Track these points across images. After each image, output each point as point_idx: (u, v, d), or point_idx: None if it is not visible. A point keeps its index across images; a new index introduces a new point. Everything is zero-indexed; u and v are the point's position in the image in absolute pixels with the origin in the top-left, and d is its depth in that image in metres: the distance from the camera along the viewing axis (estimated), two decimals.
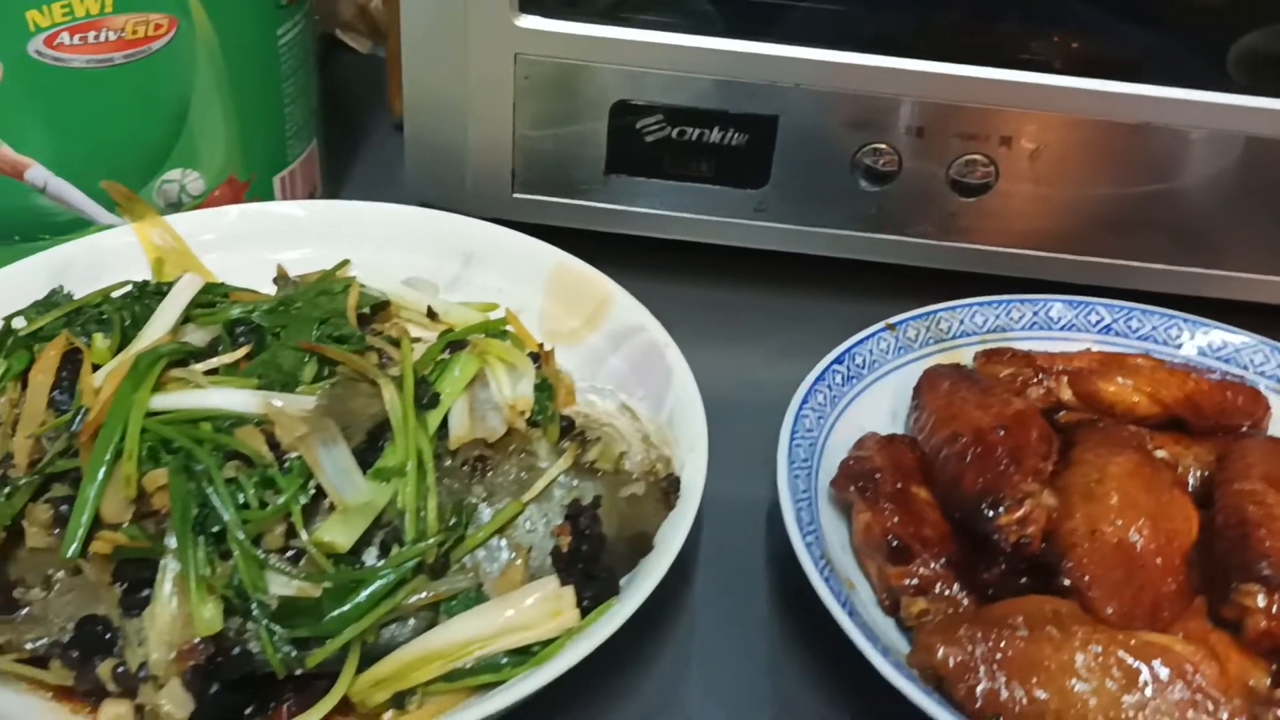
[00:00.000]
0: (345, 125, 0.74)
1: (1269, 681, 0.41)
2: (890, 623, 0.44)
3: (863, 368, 0.53)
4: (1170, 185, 0.60)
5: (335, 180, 0.70)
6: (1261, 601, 0.41)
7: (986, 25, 0.58)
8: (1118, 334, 0.55)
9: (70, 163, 0.53)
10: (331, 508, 0.39)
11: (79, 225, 0.55)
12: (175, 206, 0.57)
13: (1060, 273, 0.61)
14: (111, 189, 0.54)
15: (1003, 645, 0.40)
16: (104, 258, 0.53)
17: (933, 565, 0.44)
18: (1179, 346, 0.54)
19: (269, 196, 0.61)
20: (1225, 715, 0.38)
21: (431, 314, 0.50)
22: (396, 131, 0.75)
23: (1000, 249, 0.61)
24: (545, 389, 0.44)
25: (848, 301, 0.59)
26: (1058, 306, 0.57)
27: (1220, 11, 0.57)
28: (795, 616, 0.47)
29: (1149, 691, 0.38)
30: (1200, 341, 0.54)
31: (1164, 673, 0.39)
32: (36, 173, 0.53)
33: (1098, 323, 0.56)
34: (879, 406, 0.52)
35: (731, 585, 0.48)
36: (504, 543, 0.41)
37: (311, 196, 0.65)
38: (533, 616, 0.39)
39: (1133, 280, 0.61)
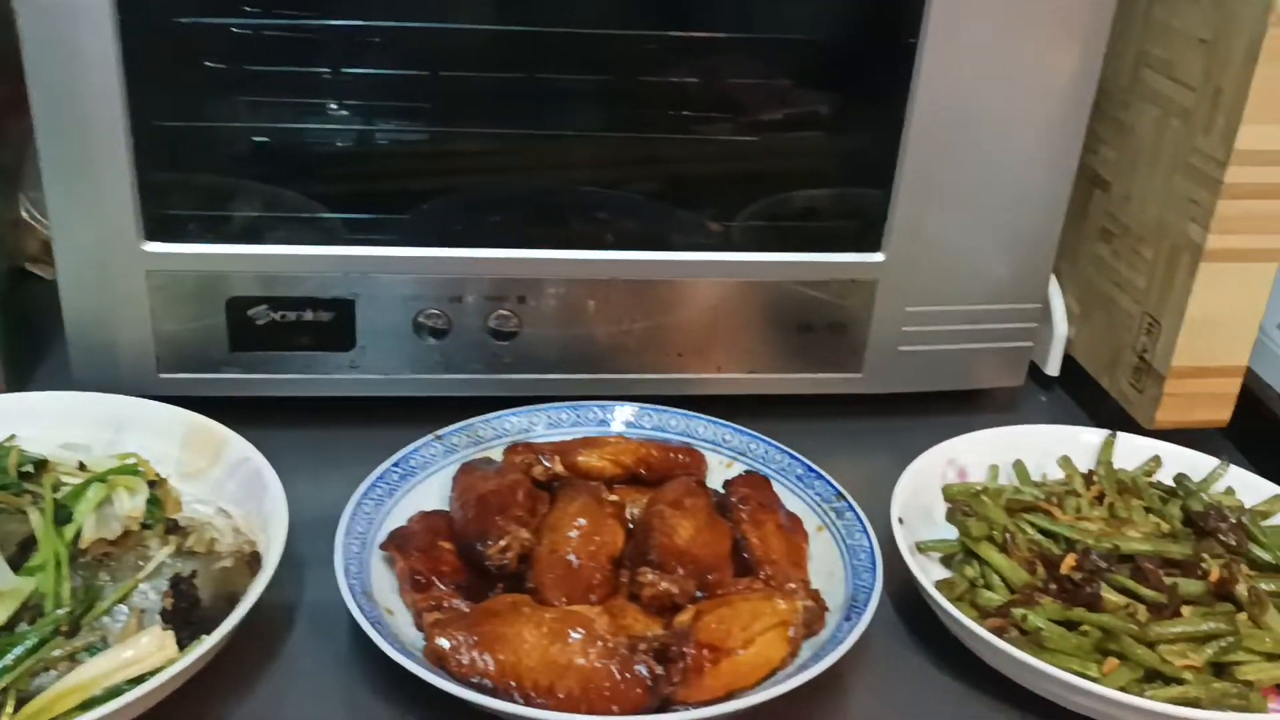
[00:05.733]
0: (32, 335, 0.91)
1: (661, 628, 0.62)
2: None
3: (416, 468, 0.73)
4: (652, 318, 0.83)
5: (24, 379, 0.86)
6: (651, 578, 0.63)
7: (498, 216, 0.81)
8: (601, 423, 0.78)
9: None
10: None
11: None
12: None
13: (579, 389, 0.83)
14: None
15: (478, 629, 0.60)
16: None
17: (446, 588, 0.64)
18: (609, 423, 0.78)
19: None
20: (612, 645, 0.58)
21: (82, 466, 0.67)
22: None
23: (533, 376, 0.83)
24: (155, 502, 0.63)
25: (423, 427, 0.79)
26: (566, 411, 0.79)
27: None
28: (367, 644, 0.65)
29: (569, 639, 0.59)
30: (624, 416, 0.78)
31: (577, 628, 0.59)
32: None
33: (592, 419, 0.79)
34: (432, 494, 0.72)
35: (326, 628, 0.66)
36: (125, 608, 0.58)
37: None
38: (143, 653, 0.56)
39: (634, 389, 0.84)
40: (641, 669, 0.57)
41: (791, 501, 0.73)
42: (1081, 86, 0.79)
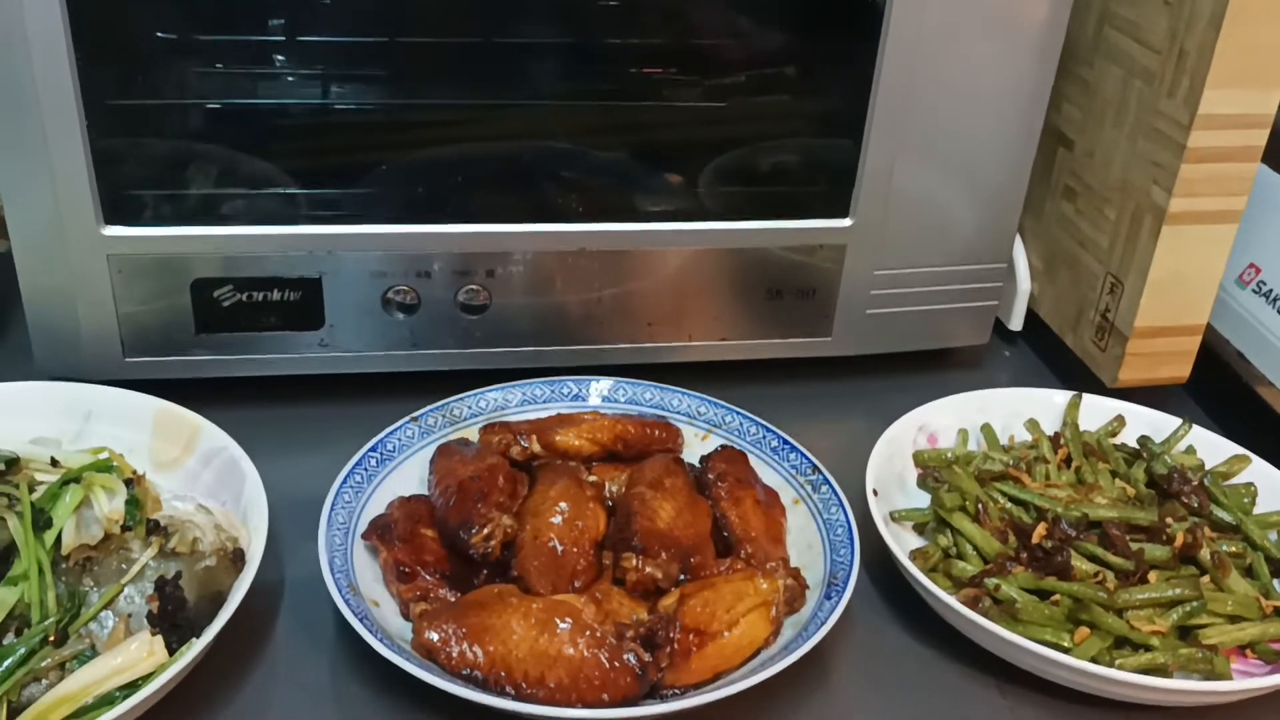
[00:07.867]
0: None
1: (646, 613, 0.63)
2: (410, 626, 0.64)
3: (394, 451, 0.73)
4: (622, 288, 0.83)
5: None
6: (636, 564, 0.64)
7: (465, 188, 0.80)
8: (576, 398, 0.78)
9: None
10: None
11: None
12: None
13: (550, 361, 0.83)
14: None
15: (466, 621, 0.60)
16: None
17: (431, 578, 0.64)
18: (584, 398, 0.78)
19: None
20: (600, 634, 0.59)
21: (54, 462, 0.66)
22: None
23: (504, 349, 0.83)
24: (134, 502, 0.62)
25: (395, 403, 0.78)
26: (540, 387, 0.79)
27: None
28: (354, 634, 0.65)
29: (558, 629, 0.59)
30: (599, 390, 0.79)
31: (564, 616, 0.60)
32: None
33: (568, 393, 0.79)
34: (410, 477, 0.72)
35: (309, 614, 0.66)
36: (110, 613, 0.58)
37: None
38: (133, 659, 0.56)
39: (606, 359, 0.84)
40: (630, 657, 0.58)
41: (768, 474, 0.74)
42: (1048, 43, 0.79)
